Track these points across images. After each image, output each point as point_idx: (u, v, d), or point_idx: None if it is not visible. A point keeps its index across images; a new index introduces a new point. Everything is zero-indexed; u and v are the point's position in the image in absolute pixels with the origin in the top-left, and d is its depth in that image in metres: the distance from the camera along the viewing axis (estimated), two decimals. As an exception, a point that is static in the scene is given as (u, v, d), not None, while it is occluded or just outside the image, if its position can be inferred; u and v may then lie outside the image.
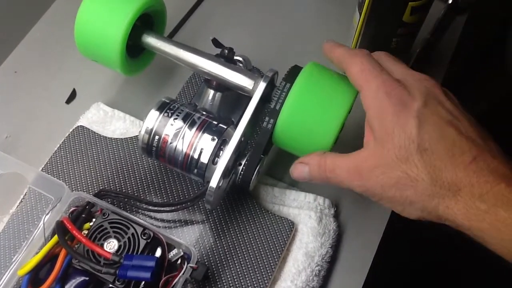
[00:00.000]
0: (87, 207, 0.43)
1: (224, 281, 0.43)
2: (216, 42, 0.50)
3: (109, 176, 0.49)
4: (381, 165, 0.33)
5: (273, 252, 0.44)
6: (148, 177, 0.48)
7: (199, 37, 0.60)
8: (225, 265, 0.44)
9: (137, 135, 0.51)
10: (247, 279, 0.43)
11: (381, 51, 0.39)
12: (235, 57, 0.48)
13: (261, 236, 0.45)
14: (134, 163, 0.49)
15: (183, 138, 0.42)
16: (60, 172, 0.49)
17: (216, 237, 0.45)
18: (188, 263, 0.40)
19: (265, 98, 0.43)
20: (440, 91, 0.34)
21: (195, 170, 0.42)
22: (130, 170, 0.49)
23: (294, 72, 0.42)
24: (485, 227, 0.30)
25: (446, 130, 0.32)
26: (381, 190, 0.34)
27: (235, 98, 0.49)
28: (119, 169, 0.49)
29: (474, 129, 0.33)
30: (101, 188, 0.48)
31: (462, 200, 0.31)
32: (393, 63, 0.37)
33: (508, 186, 0.30)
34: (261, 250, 0.44)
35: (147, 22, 0.50)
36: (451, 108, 0.33)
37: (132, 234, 0.41)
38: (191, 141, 0.42)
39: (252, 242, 0.45)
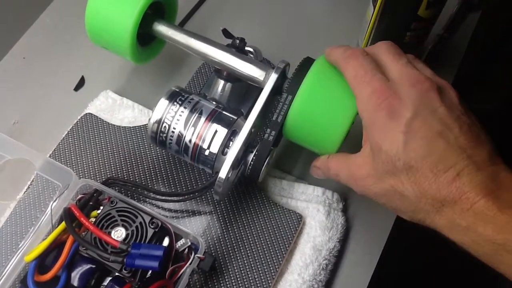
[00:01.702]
0: (94, 194, 0.43)
1: (231, 272, 0.43)
2: (226, 33, 0.49)
3: (117, 164, 0.48)
4: (372, 175, 0.35)
5: (281, 244, 0.44)
6: (156, 166, 0.48)
7: (209, 27, 0.59)
8: (232, 257, 0.44)
9: (145, 124, 0.51)
10: (254, 271, 0.43)
11: (381, 42, 0.38)
12: (246, 48, 0.48)
13: (269, 228, 0.45)
14: (142, 152, 0.49)
15: (192, 127, 0.42)
16: (67, 159, 0.49)
17: (223, 228, 0.45)
18: (195, 254, 0.40)
19: (276, 89, 0.42)
20: (435, 95, 0.33)
21: (204, 161, 0.42)
22: (138, 159, 0.49)
23: (306, 64, 0.41)
24: (468, 241, 0.31)
25: (433, 144, 0.32)
26: (374, 197, 0.36)
27: (245, 89, 0.48)
28: (127, 157, 0.49)
29: (465, 136, 0.32)
30: (108, 176, 0.48)
31: (445, 215, 0.32)
32: (391, 60, 0.36)
33: (487, 201, 0.30)
34: (268, 242, 0.44)
35: (158, 10, 0.49)
36: (443, 115, 0.33)
37: (140, 223, 0.40)
38: (200, 131, 0.42)
39: (260, 234, 0.45)
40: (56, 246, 0.41)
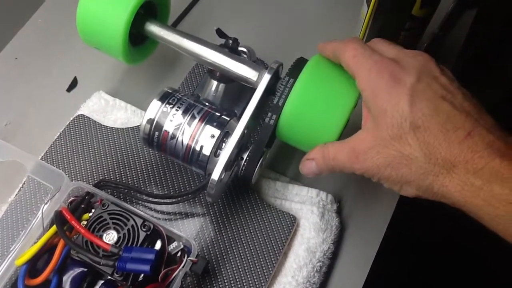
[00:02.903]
0: (86, 197, 0.42)
1: (224, 275, 0.43)
2: (220, 32, 0.49)
3: (109, 166, 0.48)
4: (376, 145, 0.33)
5: (274, 247, 0.44)
6: (149, 168, 0.48)
7: (202, 27, 0.59)
8: (225, 259, 0.43)
9: (138, 125, 0.50)
10: (247, 273, 0.43)
11: (375, 38, 0.38)
12: (239, 48, 0.47)
13: (263, 230, 0.44)
14: (135, 153, 0.49)
15: (185, 129, 0.41)
16: (59, 161, 0.49)
17: (216, 230, 0.45)
18: (188, 256, 0.40)
19: (269, 90, 0.42)
20: (435, 66, 0.34)
21: (197, 162, 0.42)
22: (131, 161, 0.48)
23: (299, 65, 0.41)
24: (480, 203, 0.30)
25: (439, 105, 0.32)
26: (378, 170, 0.34)
27: (238, 90, 0.48)
28: (119, 159, 0.48)
29: (469, 103, 0.32)
30: (101, 178, 0.47)
31: (456, 176, 0.30)
32: (387, 45, 0.37)
33: (503, 161, 0.29)
34: (262, 244, 0.44)
35: (150, 10, 0.49)
36: (445, 83, 0.33)
37: (132, 226, 0.40)
38: (193, 133, 0.41)
39: (253, 236, 0.44)
40: (47, 250, 0.40)
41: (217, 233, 0.45)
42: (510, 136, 0.31)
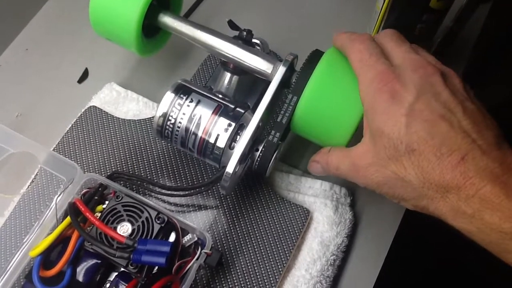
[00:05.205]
0: (99, 189, 0.42)
1: (238, 268, 0.42)
2: (232, 24, 0.48)
3: (122, 158, 0.48)
4: (375, 163, 0.34)
5: (288, 240, 0.43)
6: (162, 160, 0.48)
7: (214, 18, 0.59)
8: (239, 252, 0.43)
9: (150, 117, 0.50)
10: (261, 266, 0.42)
11: (386, 30, 0.38)
12: (253, 40, 0.47)
13: (276, 223, 0.44)
14: (147, 145, 0.48)
15: (198, 121, 0.41)
16: (71, 152, 0.48)
17: (230, 223, 0.44)
18: (202, 249, 0.40)
19: (284, 83, 0.42)
20: (439, 79, 0.33)
21: (211, 155, 0.41)
22: (144, 153, 0.48)
23: (315, 57, 0.40)
24: (473, 230, 0.30)
25: (436, 126, 0.31)
26: (377, 187, 0.35)
27: (251, 82, 0.47)
28: (132, 151, 0.48)
29: (469, 120, 0.31)
30: (113, 170, 0.47)
31: (450, 202, 0.31)
32: (394, 46, 0.36)
33: (494, 187, 0.29)
34: (275, 237, 0.44)
35: (163, 1, 0.48)
36: (446, 99, 0.32)
37: (146, 218, 0.40)
38: (207, 125, 0.41)
39: (267, 229, 0.44)
40: (61, 241, 0.40)
41: (231, 225, 0.44)
42: (510, 155, 0.31)
